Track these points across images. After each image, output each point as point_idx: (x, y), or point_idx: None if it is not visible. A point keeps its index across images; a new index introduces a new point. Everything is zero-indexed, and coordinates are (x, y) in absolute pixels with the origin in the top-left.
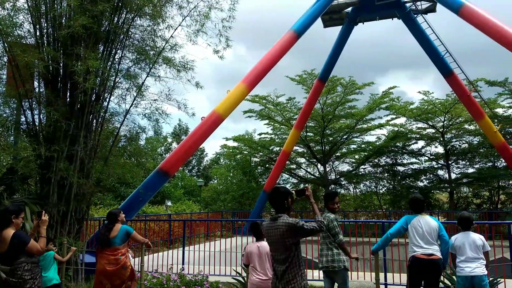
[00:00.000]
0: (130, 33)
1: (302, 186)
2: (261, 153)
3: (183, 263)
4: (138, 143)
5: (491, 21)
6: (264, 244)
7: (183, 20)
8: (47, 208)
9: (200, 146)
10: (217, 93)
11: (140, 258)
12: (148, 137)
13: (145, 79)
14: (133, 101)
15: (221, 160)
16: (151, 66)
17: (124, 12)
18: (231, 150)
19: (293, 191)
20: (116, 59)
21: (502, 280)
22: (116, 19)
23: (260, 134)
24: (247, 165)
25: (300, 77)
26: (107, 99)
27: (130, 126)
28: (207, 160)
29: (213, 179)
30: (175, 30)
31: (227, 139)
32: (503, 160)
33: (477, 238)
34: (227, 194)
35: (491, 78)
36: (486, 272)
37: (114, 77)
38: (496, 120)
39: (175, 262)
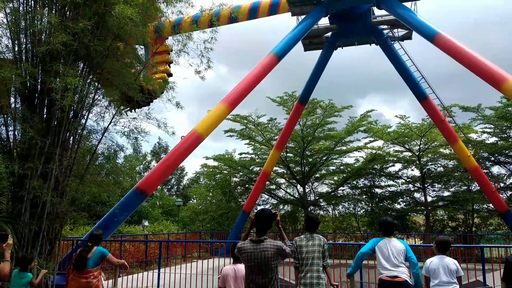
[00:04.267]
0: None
1: (273, 210)
2: (241, 173)
3: (158, 286)
4: (116, 161)
5: (463, 50)
6: (241, 267)
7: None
8: (18, 228)
9: (180, 165)
10: (198, 112)
11: (113, 280)
12: (127, 155)
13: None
14: (112, 119)
15: (201, 180)
16: None
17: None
18: (211, 170)
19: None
20: (96, 77)
21: None
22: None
23: (240, 154)
24: (226, 185)
25: (281, 99)
26: (85, 117)
27: (108, 144)
28: (187, 179)
29: (192, 198)
30: (156, 49)
31: (207, 158)
32: (477, 184)
33: (451, 262)
34: (206, 214)
35: (465, 103)
36: None
37: (93, 95)
38: (470, 145)
39: (150, 284)
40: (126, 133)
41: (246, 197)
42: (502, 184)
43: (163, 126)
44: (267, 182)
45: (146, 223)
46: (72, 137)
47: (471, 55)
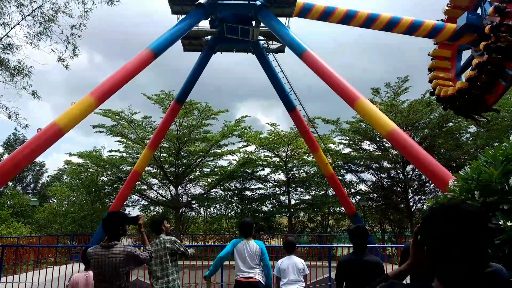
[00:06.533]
0: None
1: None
2: (109, 172)
3: None
4: None
5: (325, 68)
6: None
7: (23, 19)
8: None
9: (38, 161)
10: (67, 102)
11: None
12: None
13: None
14: None
15: (64, 177)
16: None
17: None
18: (75, 167)
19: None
20: None
21: None
22: None
23: (110, 152)
24: (93, 184)
25: (157, 97)
26: None
27: None
28: (47, 177)
29: (52, 198)
30: (11, 28)
31: (71, 154)
32: (332, 189)
33: (299, 261)
34: (66, 216)
35: (327, 116)
36: None
37: None
38: (328, 154)
39: None
40: None
41: (114, 197)
42: (352, 190)
43: (14, 117)
44: (138, 182)
45: None
46: None
47: (331, 73)
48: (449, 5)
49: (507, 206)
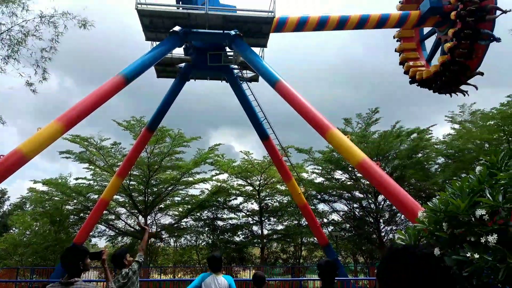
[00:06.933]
0: None
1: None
2: (75, 200)
3: None
4: None
5: (298, 98)
6: None
7: None
8: None
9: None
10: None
11: None
12: None
13: None
14: None
15: (27, 206)
16: None
17: None
18: (39, 195)
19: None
20: None
21: None
22: None
23: (77, 179)
24: (57, 213)
25: (128, 123)
26: None
27: None
28: (8, 205)
29: (14, 228)
30: None
31: (35, 181)
32: (305, 219)
33: None
34: (27, 247)
35: (301, 145)
36: None
37: None
38: (301, 183)
39: None
40: None
41: (79, 227)
42: (325, 220)
43: None
44: (105, 212)
45: None
46: None
47: (304, 104)
48: (401, 1)
49: (474, 238)
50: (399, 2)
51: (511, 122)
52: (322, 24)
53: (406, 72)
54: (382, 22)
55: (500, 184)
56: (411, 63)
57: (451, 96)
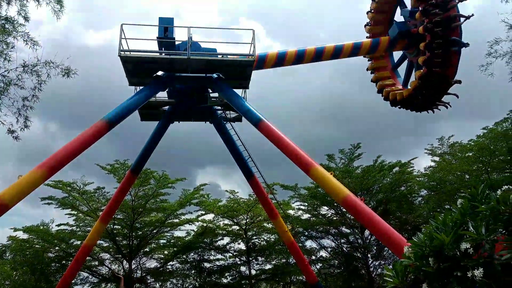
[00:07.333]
0: None
1: None
2: (57, 248)
3: None
4: None
5: (281, 137)
6: None
7: None
8: None
9: None
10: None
11: None
12: None
13: None
14: None
15: (7, 254)
16: None
17: None
18: (20, 243)
19: None
20: None
21: None
22: None
23: (59, 225)
24: (38, 261)
25: (112, 166)
26: None
27: None
28: None
29: None
30: None
31: (15, 229)
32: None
33: None
34: None
35: (286, 182)
36: None
37: None
38: (288, 221)
39: None
40: None
41: (61, 275)
42: (313, 257)
43: None
44: (89, 258)
45: None
46: None
47: (287, 142)
48: (369, 24)
49: (461, 273)
50: (368, 24)
51: (488, 153)
52: (300, 57)
53: (386, 98)
54: (355, 50)
55: (482, 216)
56: (388, 88)
57: (433, 112)
